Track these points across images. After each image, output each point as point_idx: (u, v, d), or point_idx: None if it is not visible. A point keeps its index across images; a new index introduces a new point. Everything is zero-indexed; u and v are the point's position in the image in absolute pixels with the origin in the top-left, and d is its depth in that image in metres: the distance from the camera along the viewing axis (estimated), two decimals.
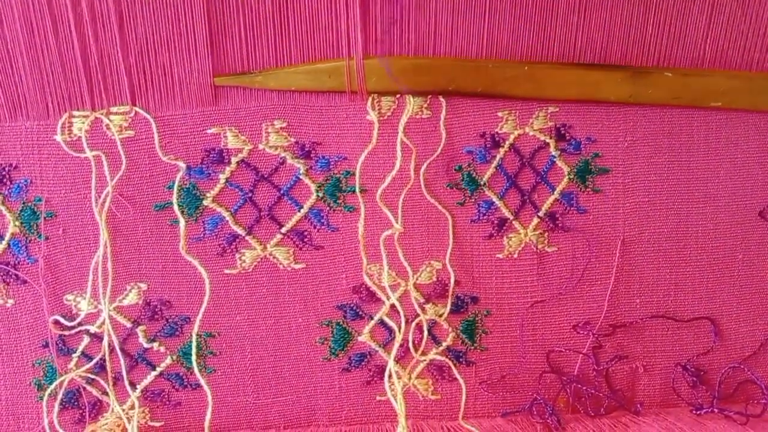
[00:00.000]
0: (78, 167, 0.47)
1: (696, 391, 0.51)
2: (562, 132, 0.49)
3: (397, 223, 0.48)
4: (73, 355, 0.48)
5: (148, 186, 0.47)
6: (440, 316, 0.50)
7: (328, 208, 0.49)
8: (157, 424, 0.50)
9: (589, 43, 0.48)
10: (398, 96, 0.48)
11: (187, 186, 0.48)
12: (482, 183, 0.49)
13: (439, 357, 0.50)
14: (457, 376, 0.50)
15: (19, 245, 0.48)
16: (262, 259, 0.49)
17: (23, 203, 0.47)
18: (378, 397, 0.50)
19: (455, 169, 0.49)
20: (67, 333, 0.48)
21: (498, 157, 0.49)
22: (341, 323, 0.50)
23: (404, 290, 0.49)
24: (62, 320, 0.48)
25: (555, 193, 0.50)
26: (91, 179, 0.47)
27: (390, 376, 0.47)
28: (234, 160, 0.48)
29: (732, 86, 0.49)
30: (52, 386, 0.48)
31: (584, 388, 0.50)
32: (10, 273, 0.48)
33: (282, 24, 0.46)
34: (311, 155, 0.48)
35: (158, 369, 0.49)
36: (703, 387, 0.51)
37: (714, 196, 0.51)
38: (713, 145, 0.50)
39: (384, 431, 0.49)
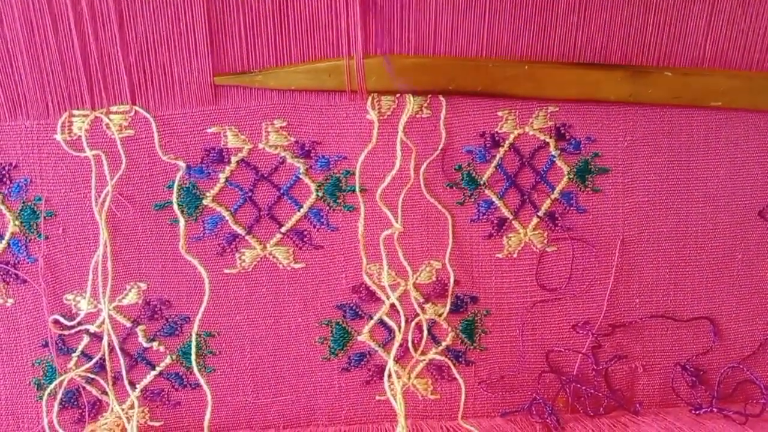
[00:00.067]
0: (78, 166, 0.47)
1: (695, 391, 0.51)
2: (562, 131, 0.49)
3: (396, 222, 0.48)
4: (73, 355, 0.48)
5: (148, 185, 0.47)
6: (440, 315, 0.50)
7: (327, 208, 0.49)
8: (157, 424, 0.50)
9: (589, 43, 0.48)
10: (398, 95, 0.48)
11: (187, 185, 0.48)
12: (482, 182, 0.49)
13: (438, 357, 0.50)
14: (457, 375, 0.50)
15: (19, 244, 0.48)
16: (261, 258, 0.49)
17: (23, 202, 0.47)
18: (377, 397, 0.50)
19: (455, 169, 0.49)
20: (66, 332, 0.48)
21: (498, 156, 0.49)
22: (341, 323, 0.50)
23: (404, 290, 0.49)
24: (62, 320, 0.48)
25: (555, 192, 0.50)
26: (91, 178, 0.47)
27: (389, 375, 0.47)
28: (234, 159, 0.48)
29: (732, 86, 0.49)
30: (52, 386, 0.48)
31: (583, 387, 0.50)
32: (10, 272, 0.48)
33: (282, 23, 0.46)
34: (311, 155, 0.48)
35: (158, 368, 0.49)
36: (702, 387, 0.51)
37: (714, 196, 0.51)
38: (713, 145, 0.50)
39: (383, 431, 0.49)
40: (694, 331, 0.52)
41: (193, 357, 0.47)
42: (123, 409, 0.48)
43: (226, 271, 0.49)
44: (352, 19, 0.46)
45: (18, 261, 0.48)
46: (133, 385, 0.49)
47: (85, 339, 0.48)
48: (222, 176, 0.48)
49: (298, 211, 0.49)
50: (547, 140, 0.49)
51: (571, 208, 0.50)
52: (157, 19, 0.45)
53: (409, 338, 0.49)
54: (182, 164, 0.47)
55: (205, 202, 0.48)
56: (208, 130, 0.47)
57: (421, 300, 0.50)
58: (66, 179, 0.47)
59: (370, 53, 0.47)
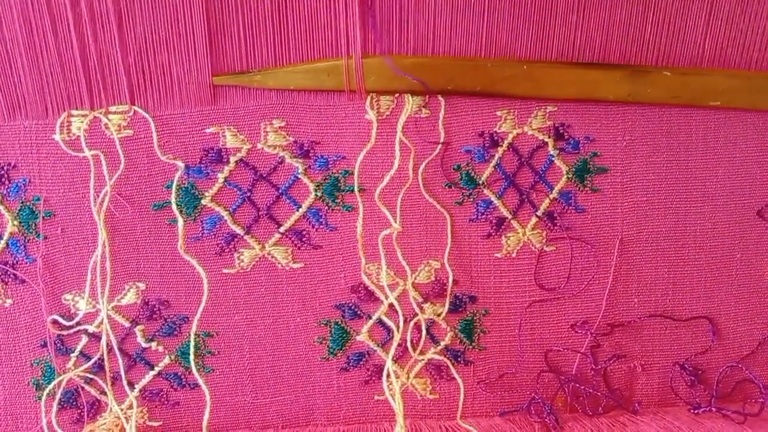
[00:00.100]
0: (77, 166, 0.47)
1: (694, 390, 0.51)
2: (561, 131, 0.49)
3: (395, 222, 0.48)
4: (72, 355, 0.48)
5: (147, 185, 0.47)
6: (438, 315, 0.50)
7: (326, 208, 0.49)
8: (156, 424, 0.50)
9: (588, 42, 0.48)
10: (397, 95, 0.48)
11: (186, 185, 0.48)
12: (481, 182, 0.49)
13: (437, 356, 0.50)
14: (456, 375, 0.50)
15: (18, 245, 0.48)
16: (260, 258, 0.49)
17: (22, 202, 0.47)
18: (376, 397, 0.50)
19: (454, 169, 0.49)
20: (65, 333, 0.48)
21: (496, 156, 0.49)
22: (340, 323, 0.50)
23: (403, 289, 0.49)
24: (60, 320, 0.48)
25: (553, 192, 0.50)
26: (90, 178, 0.47)
27: (388, 375, 0.47)
28: (233, 159, 0.48)
29: (731, 85, 0.49)
30: (51, 386, 0.48)
31: (582, 387, 0.50)
32: (9, 272, 0.48)
33: (281, 23, 0.46)
34: (310, 154, 0.48)
35: (156, 368, 0.49)
36: (701, 386, 0.51)
37: (712, 196, 0.51)
38: (712, 145, 0.50)
39: (382, 431, 0.49)
40: (693, 330, 0.52)
41: (191, 357, 0.47)
42: (122, 409, 0.48)
43: (225, 271, 0.49)
44: (351, 19, 0.46)
45: (16, 261, 0.48)
46: (131, 385, 0.49)
47: (84, 339, 0.48)
48: (221, 176, 0.48)
49: (297, 210, 0.49)
50: (546, 140, 0.49)
51: (570, 208, 0.50)
52: (156, 20, 0.45)
53: (408, 338, 0.49)
54: (181, 164, 0.47)
55: (203, 202, 0.48)
56: (207, 130, 0.47)
57: (420, 300, 0.50)
58: (65, 179, 0.47)
59: (368, 53, 0.47)
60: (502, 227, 0.50)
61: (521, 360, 0.51)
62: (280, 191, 0.48)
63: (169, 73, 0.46)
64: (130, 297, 0.48)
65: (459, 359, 0.51)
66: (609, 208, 0.50)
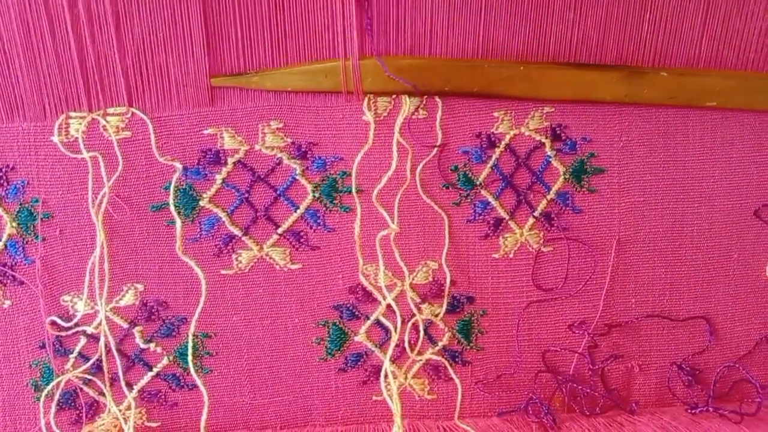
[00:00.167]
0: (75, 168, 0.47)
1: (691, 390, 0.51)
2: (558, 132, 0.49)
3: (393, 223, 0.48)
4: (70, 356, 0.49)
5: (145, 187, 0.48)
6: (436, 316, 0.50)
7: (324, 209, 0.49)
8: (154, 425, 0.50)
9: (585, 43, 0.48)
10: (394, 96, 0.48)
11: (184, 186, 0.48)
12: (478, 183, 0.49)
13: (435, 357, 0.50)
14: (453, 375, 0.50)
15: (16, 246, 0.48)
16: (258, 259, 0.49)
17: (20, 204, 0.47)
18: (374, 397, 0.50)
19: (451, 170, 0.49)
20: (63, 334, 0.48)
21: (494, 157, 0.49)
22: (337, 323, 0.50)
23: (400, 290, 0.49)
24: (59, 321, 0.48)
25: (550, 193, 0.50)
26: (88, 180, 0.47)
27: (386, 376, 0.47)
28: (230, 160, 0.48)
29: (727, 86, 0.49)
30: (49, 387, 0.48)
31: (580, 387, 0.50)
32: (7, 274, 0.48)
33: (278, 25, 0.46)
34: (307, 156, 0.48)
35: (155, 369, 0.49)
36: (698, 386, 0.51)
37: (709, 196, 0.51)
38: (708, 145, 0.50)
39: (380, 431, 0.49)
40: (690, 330, 0.52)
41: (189, 358, 0.47)
42: (120, 410, 0.48)
43: (223, 272, 0.49)
44: (348, 20, 0.46)
45: (15, 263, 0.48)
46: (130, 386, 0.49)
47: (83, 340, 0.48)
48: (219, 177, 0.48)
49: (295, 212, 0.49)
50: (543, 141, 0.49)
51: (567, 209, 0.50)
52: (154, 21, 0.45)
53: (406, 338, 0.49)
54: (179, 165, 0.47)
55: (201, 203, 0.48)
56: (205, 132, 0.47)
57: (418, 300, 0.50)
58: (63, 181, 0.47)
59: (366, 54, 0.47)
60: (500, 228, 0.50)
61: (519, 360, 0.51)
62: (278, 192, 0.48)
63: (167, 75, 0.46)
64: (128, 298, 0.48)
65: (457, 360, 0.51)
66: (606, 209, 0.50)
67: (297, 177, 0.48)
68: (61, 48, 0.45)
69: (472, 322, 0.50)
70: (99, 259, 0.47)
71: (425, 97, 0.48)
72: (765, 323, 0.52)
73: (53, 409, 0.48)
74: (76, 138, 0.47)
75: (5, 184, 0.47)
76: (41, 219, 0.47)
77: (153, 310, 0.49)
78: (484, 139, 0.49)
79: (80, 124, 0.47)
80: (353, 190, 0.48)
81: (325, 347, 0.50)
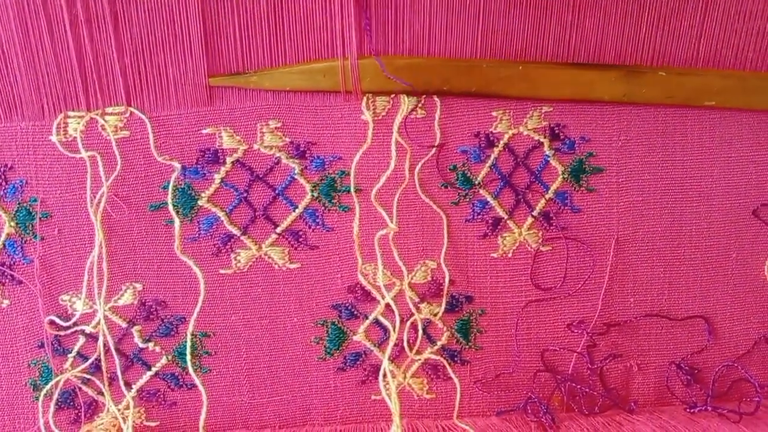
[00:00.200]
0: (73, 168, 0.47)
1: (690, 390, 0.51)
2: (556, 131, 0.49)
3: (391, 222, 0.48)
4: (69, 356, 0.49)
5: (143, 186, 0.48)
6: (435, 315, 0.50)
7: (323, 208, 0.49)
8: (153, 424, 0.50)
9: (583, 43, 0.48)
10: (393, 96, 0.48)
11: (182, 186, 0.48)
12: (477, 182, 0.49)
13: (433, 356, 0.50)
14: (452, 375, 0.50)
15: (15, 246, 0.48)
16: (257, 259, 0.49)
17: (18, 204, 0.47)
18: (373, 397, 0.50)
19: (450, 169, 0.49)
20: (62, 333, 0.48)
21: (492, 156, 0.49)
22: (336, 323, 0.50)
23: (399, 289, 0.49)
24: (58, 320, 0.48)
25: (549, 192, 0.50)
26: (87, 179, 0.47)
27: (385, 375, 0.47)
28: (229, 160, 0.48)
29: (726, 85, 0.49)
30: (48, 386, 0.48)
31: (578, 386, 0.50)
32: (6, 273, 0.48)
33: (276, 24, 0.46)
34: (306, 155, 0.48)
35: (153, 369, 0.49)
36: (697, 385, 0.52)
37: (708, 195, 0.51)
38: (707, 144, 0.50)
39: (379, 430, 0.49)
40: (689, 329, 0.52)
41: (188, 357, 0.47)
42: (119, 410, 0.48)
43: (222, 271, 0.49)
44: (347, 20, 0.46)
45: (14, 262, 0.48)
46: (128, 385, 0.49)
47: (81, 340, 0.48)
48: (217, 177, 0.48)
49: (294, 211, 0.49)
50: (542, 140, 0.49)
51: (566, 208, 0.50)
52: (152, 21, 0.45)
53: (405, 338, 0.49)
54: (177, 165, 0.47)
55: (200, 202, 0.48)
56: (203, 131, 0.47)
57: (417, 300, 0.50)
58: (61, 180, 0.47)
59: (364, 54, 0.47)
60: (498, 227, 0.50)
61: (518, 359, 0.51)
62: (276, 192, 0.48)
63: (166, 74, 0.46)
64: (127, 297, 0.48)
65: (455, 359, 0.51)
66: (605, 208, 0.50)
67: (295, 176, 0.48)
68: (59, 47, 0.45)
69: (471, 321, 0.50)
70: (97, 258, 0.47)
71: (424, 96, 0.48)
72: (764, 322, 0.52)
73: (52, 409, 0.48)
74: (75, 137, 0.47)
75: (3, 183, 0.47)
76: (40, 218, 0.47)
77: (152, 310, 0.49)
78: (483, 139, 0.49)
79: (78, 123, 0.47)
80: (352, 189, 0.48)
81: (324, 346, 0.50)
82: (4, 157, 0.47)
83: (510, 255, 0.50)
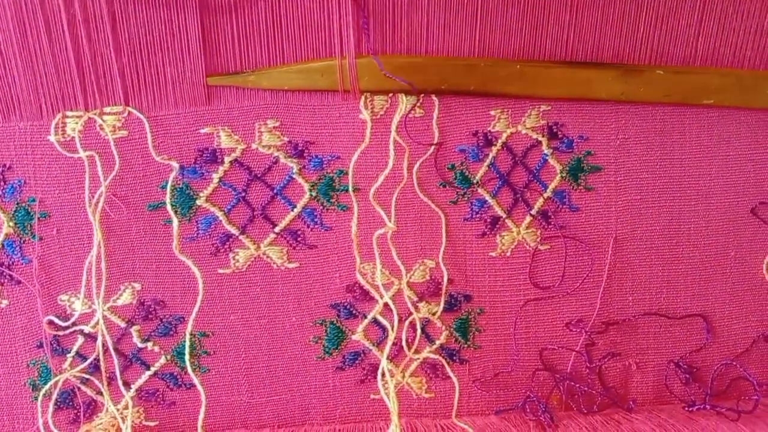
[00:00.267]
0: (71, 167, 0.47)
1: (688, 388, 0.52)
2: (555, 130, 0.49)
3: (390, 221, 0.48)
4: (68, 355, 0.49)
5: (142, 186, 0.48)
6: (433, 314, 0.50)
7: (321, 207, 0.49)
8: (152, 424, 0.50)
9: (581, 42, 0.48)
10: (391, 95, 0.48)
11: (181, 186, 0.48)
12: (475, 181, 0.49)
13: (432, 355, 0.50)
14: (451, 374, 0.50)
15: (13, 246, 0.48)
16: (255, 258, 0.49)
17: (17, 204, 0.47)
18: (372, 396, 0.51)
19: (448, 168, 0.49)
20: (61, 333, 0.48)
21: (490, 155, 0.49)
22: (335, 322, 0.50)
23: (398, 289, 0.49)
24: (56, 320, 0.48)
25: (547, 191, 0.50)
26: (85, 179, 0.47)
27: (383, 374, 0.47)
28: (227, 159, 0.48)
29: (724, 84, 0.49)
30: (47, 386, 0.48)
31: (577, 385, 0.50)
32: (4, 273, 0.48)
33: (274, 23, 0.46)
34: (304, 154, 0.48)
35: (152, 369, 0.49)
36: (695, 384, 0.52)
37: (706, 194, 0.51)
38: (705, 143, 0.50)
39: (378, 429, 0.50)
40: (688, 328, 0.52)
41: (187, 357, 0.47)
42: (118, 409, 0.48)
43: (220, 271, 0.49)
44: (345, 19, 0.46)
45: (12, 262, 0.48)
46: (127, 385, 0.49)
47: (80, 339, 0.48)
48: (215, 176, 0.48)
49: (292, 210, 0.49)
50: (540, 139, 0.49)
51: (564, 207, 0.50)
52: (150, 20, 0.45)
53: (403, 337, 0.49)
54: (175, 165, 0.47)
55: (198, 202, 0.48)
56: (201, 131, 0.47)
57: (415, 299, 0.50)
58: (60, 180, 0.47)
59: (362, 53, 0.47)
60: (497, 226, 0.50)
61: (516, 358, 0.51)
62: (274, 191, 0.48)
63: (164, 74, 0.46)
64: (125, 297, 0.48)
65: (454, 358, 0.51)
66: (603, 207, 0.50)
67: (294, 176, 0.48)
68: (57, 47, 0.45)
69: (470, 320, 0.50)
70: (96, 258, 0.47)
71: (422, 95, 0.48)
72: (762, 321, 0.52)
73: (51, 409, 0.48)
74: (73, 137, 0.47)
75: (2, 183, 0.47)
76: (38, 218, 0.47)
77: (150, 309, 0.49)
78: (481, 138, 0.49)
79: (77, 123, 0.47)
80: (350, 188, 0.48)
81: (323, 346, 0.50)
82: (3, 157, 0.47)
83: (508, 254, 0.50)
